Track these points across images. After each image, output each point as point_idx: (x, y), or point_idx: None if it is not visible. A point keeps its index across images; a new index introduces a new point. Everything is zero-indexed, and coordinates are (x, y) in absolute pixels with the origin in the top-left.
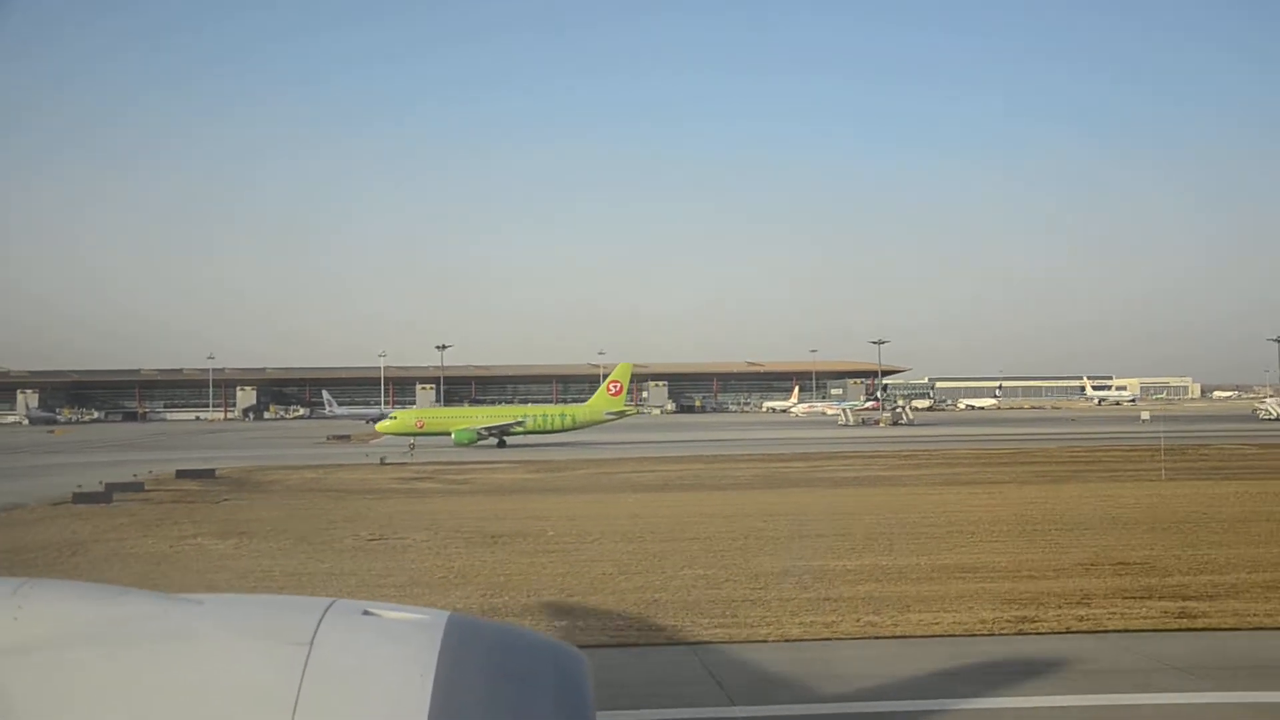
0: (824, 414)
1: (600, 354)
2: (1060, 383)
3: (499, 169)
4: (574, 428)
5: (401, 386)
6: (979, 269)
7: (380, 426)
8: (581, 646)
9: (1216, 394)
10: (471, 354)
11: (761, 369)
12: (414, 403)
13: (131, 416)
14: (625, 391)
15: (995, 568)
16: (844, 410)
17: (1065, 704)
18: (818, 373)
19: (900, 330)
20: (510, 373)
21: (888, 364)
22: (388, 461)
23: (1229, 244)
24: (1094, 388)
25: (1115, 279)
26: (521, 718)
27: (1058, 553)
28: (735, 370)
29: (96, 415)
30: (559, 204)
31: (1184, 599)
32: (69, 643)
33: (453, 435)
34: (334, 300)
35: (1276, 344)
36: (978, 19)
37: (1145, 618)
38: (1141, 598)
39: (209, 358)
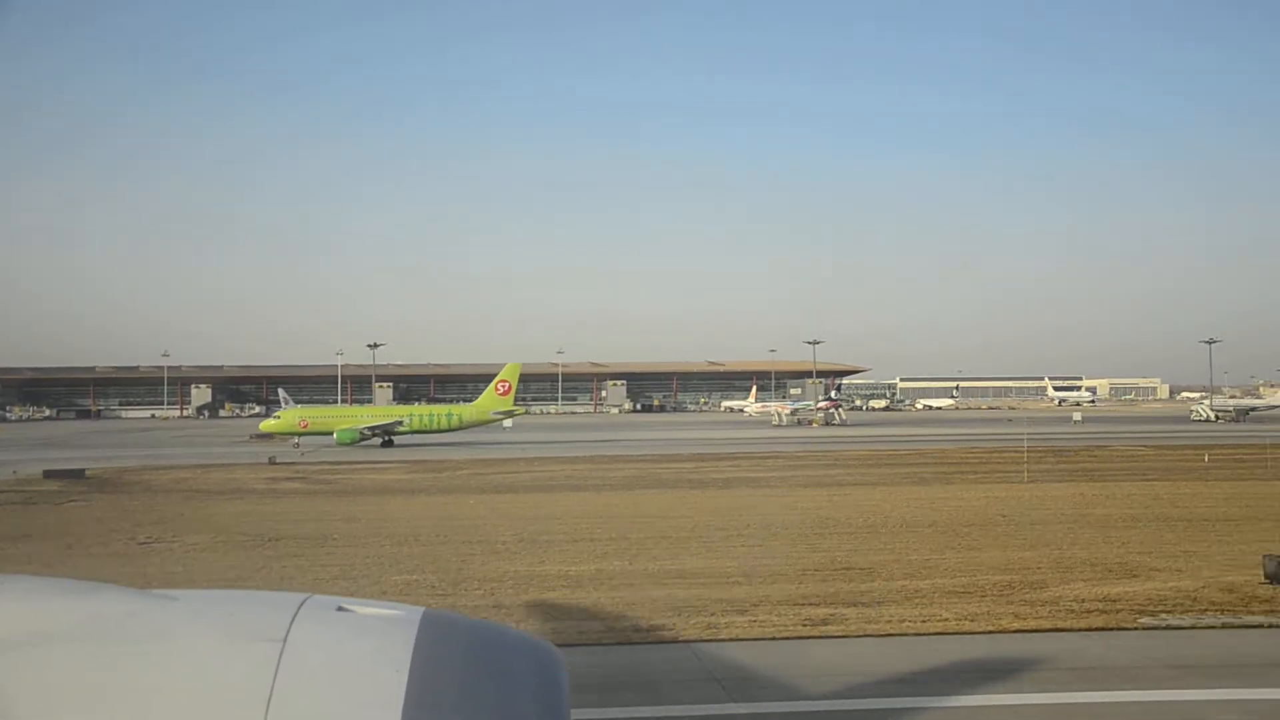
0: (776, 413)
1: (559, 353)
2: (1026, 383)
3: (471, 173)
4: (460, 427)
5: (360, 385)
6: (955, 271)
7: (264, 426)
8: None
9: (1183, 395)
10: (435, 353)
11: (722, 369)
12: (370, 401)
13: (85, 414)
14: (514, 392)
15: (710, 572)
16: (776, 411)
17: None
18: (777, 373)
19: (874, 332)
20: (470, 371)
21: (848, 364)
22: (277, 461)
23: (1210, 250)
24: (1055, 389)
25: (1096, 283)
26: (496, 713)
27: (797, 557)
28: (696, 370)
29: (48, 413)
30: (526, 206)
31: (847, 605)
32: (42, 639)
33: (335, 435)
34: (309, 300)
35: (1208, 345)
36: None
37: (786, 624)
38: (812, 604)
39: (163, 355)
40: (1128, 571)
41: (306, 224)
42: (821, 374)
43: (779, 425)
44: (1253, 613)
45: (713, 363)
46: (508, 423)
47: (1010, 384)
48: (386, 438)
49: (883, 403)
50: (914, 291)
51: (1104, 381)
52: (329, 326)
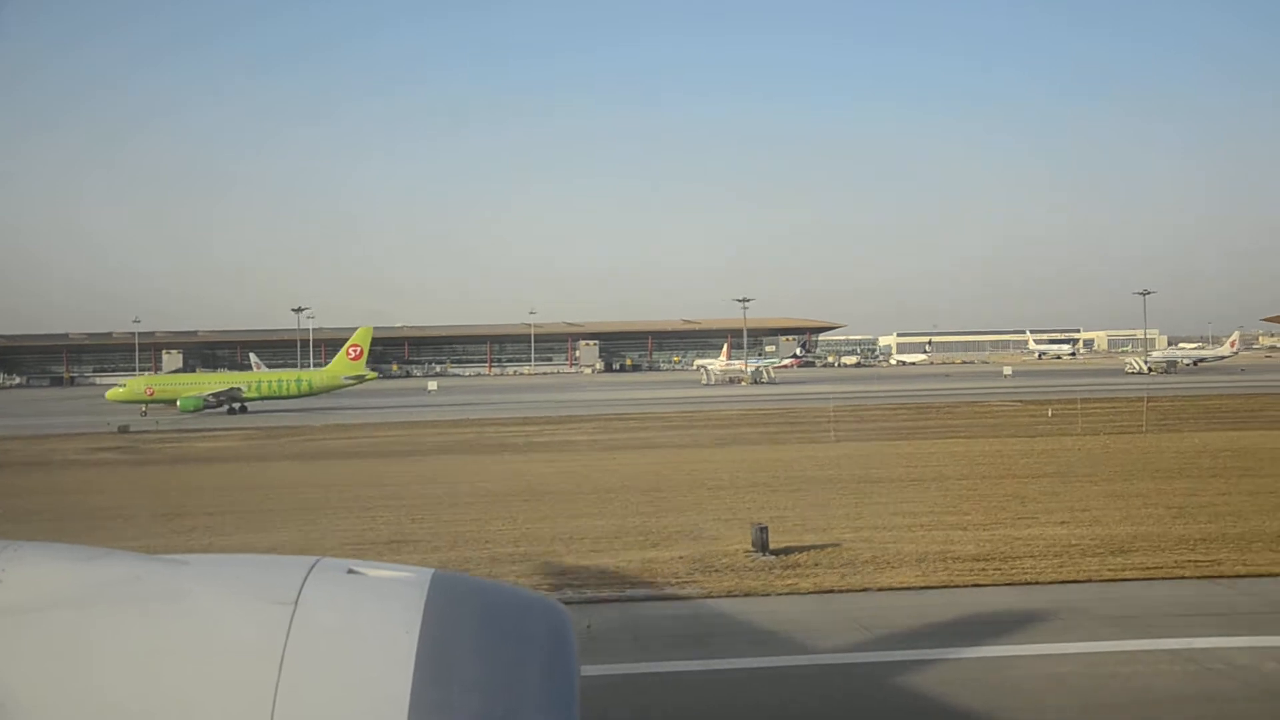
0: (705, 371)
1: (531, 313)
2: (1012, 337)
3: (457, 139)
4: (310, 393)
5: (333, 348)
6: (952, 225)
7: (110, 395)
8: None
9: (1182, 345)
10: (414, 314)
11: (696, 326)
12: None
13: (59, 381)
14: (365, 356)
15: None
16: (705, 369)
17: None
18: (750, 330)
19: (862, 287)
20: (444, 334)
21: (823, 320)
22: (129, 430)
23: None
24: (1036, 341)
25: (1098, 235)
26: (506, 673)
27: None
28: (670, 328)
29: (19, 380)
30: (507, 170)
31: None
32: (54, 605)
33: (178, 403)
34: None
35: (1142, 296)
36: None
37: None
38: None
39: (134, 320)
40: (663, 539)
41: (293, 190)
42: (798, 330)
43: (707, 384)
44: (698, 584)
45: (687, 321)
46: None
47: (996, 338)
48: (240, 405)
49: (854, 359)
50: (915, 247)
51: (1101, 334)
52: (319, 289)
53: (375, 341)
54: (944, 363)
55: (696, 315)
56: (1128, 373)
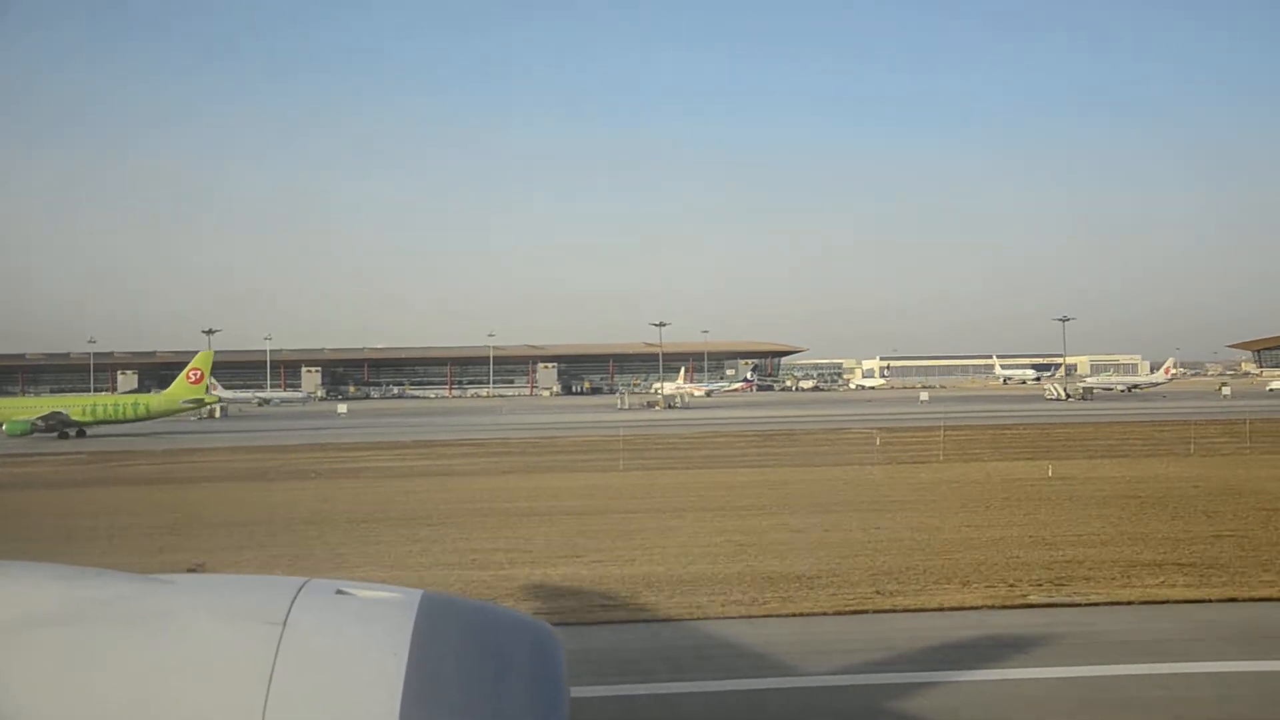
0: (691, 394)
1: (490, 335)
2: (981, 361)
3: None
4: (148, 417)
5: (292, 369)
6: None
7: None
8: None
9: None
10: (389, 335)
11: (657, 350)
12: (299, 386)
13: None
14: (205, 380)
15: None
16: (621, 395)
17: None
18: (712, 353)
19: (845, 308)
20: (405, 356)
21: (787, 344)
22: None
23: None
24: (1003, 366)
25: (1090, 261)
26: (495, 695)
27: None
28: (633, 351)
29: None
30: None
31: None
32: (41, 624)
33: (3, 427)
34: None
35: (1061, 323)
36: None
37: None
38: None
39: (90, 340)
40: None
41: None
42: (760, 354)
43: (621, 409)
44: None
45: (649, 344)
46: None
47: (980, 362)
48: (77, 429)
49: (811, 383)
50: (897, 271)
51: (1084, 358)
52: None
53: (337, 363)
54: (902, 386)
55: (669, 338)
56: (1047, 399)
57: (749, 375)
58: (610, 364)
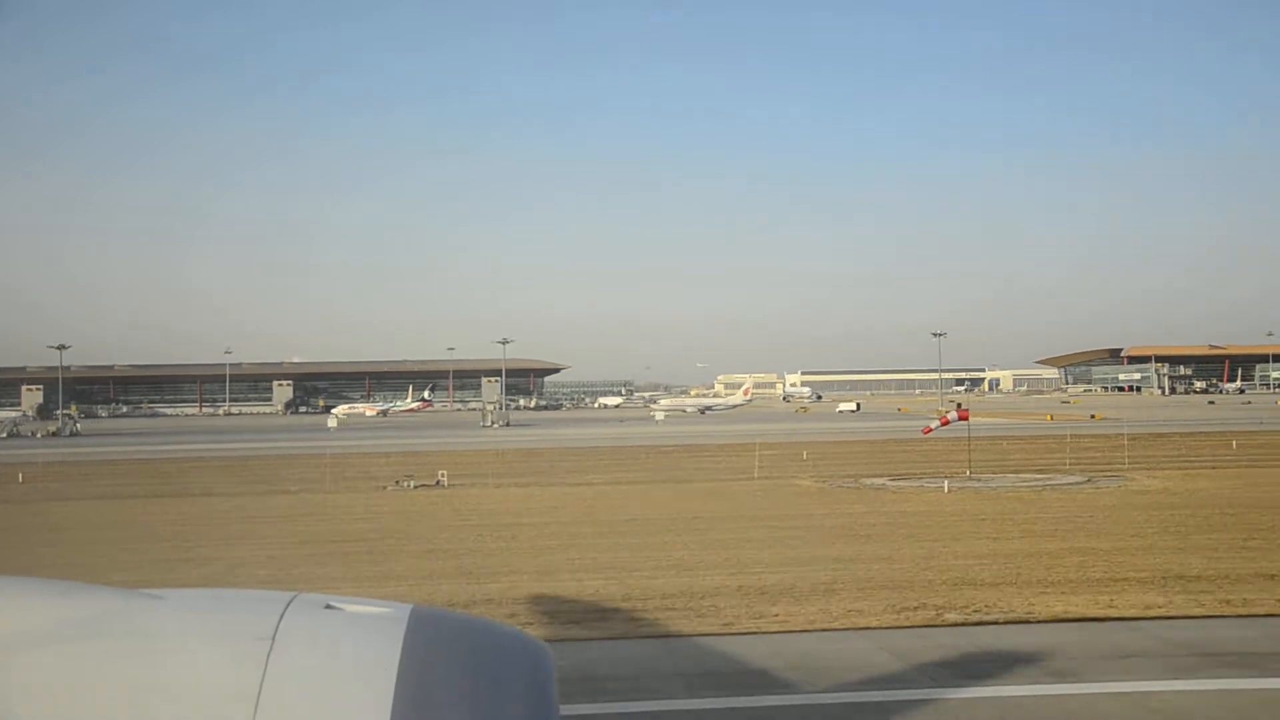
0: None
1: (227, 353)
2: (915, 376)
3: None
4: None
5: (255, 383)
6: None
7: None
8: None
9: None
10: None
11: (404, 368)
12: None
13: None
14: None
15: None
16: (333, 414)
17: None
18: (456, 371)
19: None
20: (366, 369)
21: (549, 362)
22: None
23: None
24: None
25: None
26: (486, 711)
27: None
28: (388, 370)
29: None
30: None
31: None
32: (26, 640)
33: None
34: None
35: (936, 339)
36: None
37: None
38: None
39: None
40: None
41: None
42: (519, 372)
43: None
44: None
45: (396, 362)
46: None
47: (913, 376)
48: None
49: (618, 399)
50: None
51: (1008, 373)
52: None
53: (302, 376)
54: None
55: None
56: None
57: (426, 395)
58: (367, 382)
